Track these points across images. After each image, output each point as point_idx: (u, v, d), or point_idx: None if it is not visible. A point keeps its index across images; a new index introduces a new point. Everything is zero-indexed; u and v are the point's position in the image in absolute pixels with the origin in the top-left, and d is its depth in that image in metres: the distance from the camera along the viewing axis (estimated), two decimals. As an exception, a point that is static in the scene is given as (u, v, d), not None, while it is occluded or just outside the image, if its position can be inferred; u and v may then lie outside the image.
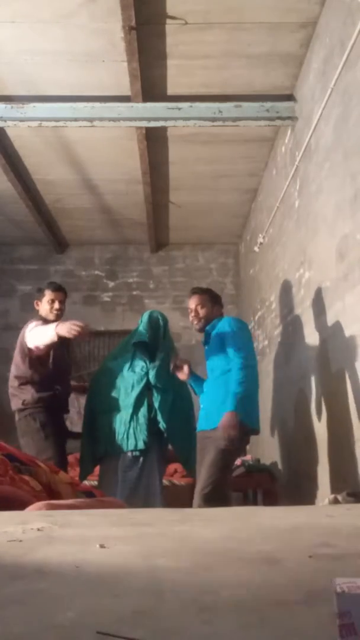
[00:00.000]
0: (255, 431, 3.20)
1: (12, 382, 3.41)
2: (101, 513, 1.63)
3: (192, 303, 3.35)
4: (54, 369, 3.40)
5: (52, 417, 3.32)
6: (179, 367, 3.36)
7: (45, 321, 3.38)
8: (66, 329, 3.06)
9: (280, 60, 3.69)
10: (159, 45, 3.52)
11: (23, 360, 3.36)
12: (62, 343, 3.43)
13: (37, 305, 3.52)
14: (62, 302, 3.50)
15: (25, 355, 3.34)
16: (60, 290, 3.52)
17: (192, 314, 3.34)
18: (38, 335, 3.24)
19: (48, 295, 3.47)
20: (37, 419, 3.28)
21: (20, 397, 3.33)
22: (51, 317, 3.43)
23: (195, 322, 3.34)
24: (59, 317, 3.45)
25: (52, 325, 3.18)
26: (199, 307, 3.32)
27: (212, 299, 3.35)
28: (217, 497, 2.85)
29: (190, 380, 3.41)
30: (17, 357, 3.42)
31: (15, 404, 3.37)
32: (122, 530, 1.31)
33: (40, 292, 3.54)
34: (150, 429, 3.26)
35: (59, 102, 3.95)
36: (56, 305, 3.45)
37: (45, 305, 3.46)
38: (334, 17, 3.04)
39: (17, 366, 3.40)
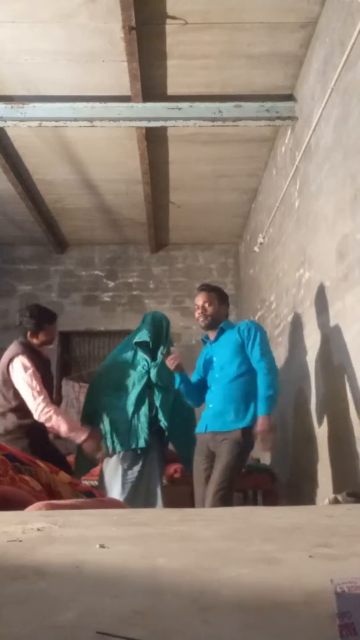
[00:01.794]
0: None
1: None
2: (101, 513, 1.63)
3: (200, 300, 3.30)
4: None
5: (32, 443, 3.21)
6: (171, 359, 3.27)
7: (32, 350, 3.32)
8: (91, 449, 3.20)
9: (280, 60, 3.69)
10: (159, 45, 3.52)
11: (6, 392, 3.29)
12: (45, 364, 3.42)
13: (33, 337, 3.37)
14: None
15: (8, 389, 3.28)
16: (56, 319, 3.48)
17: (199, 310, 3.27)
18: (62, 424, 3.19)
19: (49, 329, 3.40)
20: (19, 444, 3.17)
21: (2, 423, 3.27)
22: (49, 345, 3.43)
23: (201, 319, 3.27)
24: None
25: (84, 434, 3.18)
26: (206, 304, 3.26)
27: (219, 298, 3.31)
28: (230, 498, 2.90)
29: (180, 375, 3.34)
30: (1, 386, 3.32)
31: (5, 425, 3.29)
32: (122, 530, 1.31)
33: (39, 328, 3.38)
34: (151, 428, 3.26)
35: (59, 102, 3.95)
36: (55, 334, 3.47)
37: (42, 337, 3.39)
38: (334, 17, 3.04)
39: (1, 396, 3.31)
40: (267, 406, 2.95)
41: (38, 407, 3.17)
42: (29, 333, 3.36)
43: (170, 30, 3.40)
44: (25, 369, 3.22)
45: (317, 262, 3.45)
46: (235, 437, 2.96)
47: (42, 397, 3.18)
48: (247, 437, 2.98)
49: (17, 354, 3.26)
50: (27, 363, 3.22)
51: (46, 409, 3.16)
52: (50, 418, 3.16)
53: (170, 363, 3.14)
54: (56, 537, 1.20)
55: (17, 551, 1.07)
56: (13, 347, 3.34)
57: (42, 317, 3.40)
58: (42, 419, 3.17)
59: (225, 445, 2.97)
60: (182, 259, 7.17)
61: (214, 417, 3.11)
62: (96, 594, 0.82)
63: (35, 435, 3.25)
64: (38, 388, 3.20)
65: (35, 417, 3.18)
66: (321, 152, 3.32)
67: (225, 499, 2.84)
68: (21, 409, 3.25)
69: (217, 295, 3.32)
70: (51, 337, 3.45)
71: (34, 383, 3.20)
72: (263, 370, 3.02)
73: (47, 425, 3.20)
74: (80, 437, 3.18)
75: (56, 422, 3.17)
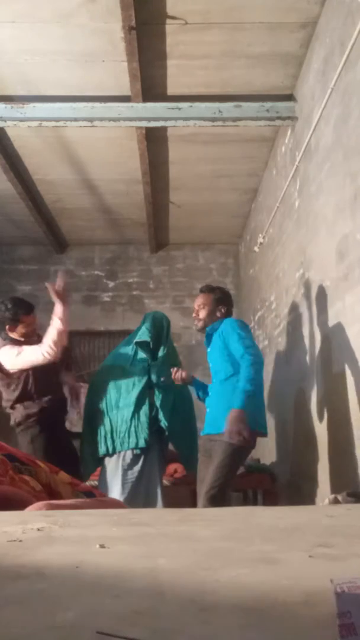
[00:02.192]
0: (262, 434, 3.16)
1: (5, 404, 3.40)
2: (101, 513, 1.63)
3: (196, 302, 3.32)
4: (39, 382, 3.34)
5: (43, 432, 3.28)
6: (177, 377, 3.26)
7: (16, 342, 3.34)
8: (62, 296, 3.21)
9: (280, 60, 3.69)
10: (159, 45, 3.52)
11: (6, 387, 3.34)
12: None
13: (11, 331, 3.37)
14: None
15: (5, 383, 3.33)
16: (33, 310, 3.47)
17: (194, 313, 3.32)
18: (33, 351, 3.23)
19: (27, 320, 3.39)
20: (29, 433, 3.28)
21: (13, 415, 3.34)
22: (33, 337, 3.40)
23: (195, 322, 3.32)
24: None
25: (57, 306, 3.22)
26: (200, 307, 3.28)
27: (217, 300, 3.28)
28: (222, 498, 2.85)
29: (193, 386, 3.36)
30: (0, 384, 3.39)
31: (11, 421, 3.38)
32: (122, 530, 1.31)
33: (15, 320, 3.38)
34: (151, 428, 3.26)
35: (59, 102, 3.95)
36: (35, 328, 3.44)
37: (22, 330, 3.39)
38: (334, 17, 3.04)
39: (4, 391, 3.38)
40: (241, 399, 2.88)
41: (42, 355, 3.22)
42: (7, 327, 3.36)
43: (170, 30, 3.40)
44: (12, 351, 3.27)
45: (317, 262, 3.45)
46: (225, 438, 2.93)
47: (37, 348, 3.22)
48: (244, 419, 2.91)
49: (3, 344, 3.32)
50: (12, 348, 3.27)
51: (43, 349, 3.21)
52: (52, 345, 3.20)
53: (177, 378, 3.20)
54: (56, 537, 1.20)
55: (17, 551, 1.07)
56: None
57: (18, 309, 3.38)
58: (54, 353, 3.22)
59: (218, 446, 2.96)
60: (182, 259, 7.17)
61: (209, 420, 3.14)
62: (96, 594, 0.82)
63: (44, 425, 3.29)
64: (29, 349, 3.25)
65: (53, 357, 3.23)
66: (321, 152, 3.32)
67: (215, 498, 2.82)
68: (25, 399, 3.30)
69: (214, 297, 3.28)
70: (31, 329, 3.42)
71: (25, 349, 3.25)
72: (245, 363, 2.96)
73: (59, 346, 3.23)
74: (60, 308, 3.26)
75: (52, 340, 3.21)
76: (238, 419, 2.83)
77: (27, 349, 3.28)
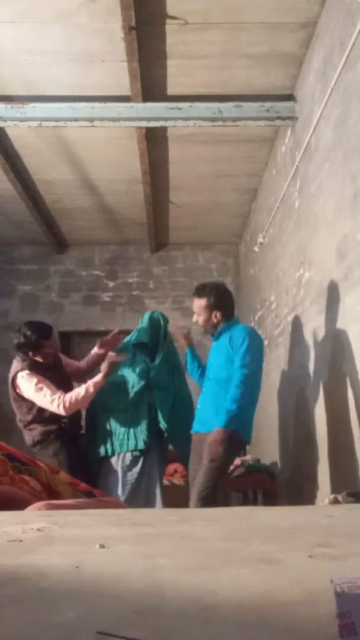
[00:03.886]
0: (246, 443, 3.22)
1: (19, 424, 3.38)
2: (101, 513, 1.63)
3: (193, 307, 3.28)
4: None
5: (65, 444, 3.28)
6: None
7: (35, 363, 3.31)
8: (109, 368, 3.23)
9: (280, 60, 3.69)
10: (159, 45, 3.52)
11: (19, 407, 3.32)
12: (53, 369, 3.39)
13: (34, 356, 3.32)
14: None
15: (20, 404, 3.31)
16: (52, 331, 3.44)
17: (194, 317, 3.27)
18: (78, 399, 3.21)
19: (46, 345, 3.34)
20: (51, 448, 3.27)
21: (30, 435, 3.32)
22: (50, 360, 3.37)
23: (198, 325, 3.30)
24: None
25: (95, 381, 3.22)
26: (196, 315, 3.23)
27: (210, 307, 3.16)
28: (213, 499, 2.86)
29: (188, 353, 3.38)
30: (13, 403, 3.36)
31: (27, 440, 3.35)
32: (122, 530, 1.31)
33: (37, 347, 3.30)
34: (150, 429, 3.26)
35: (59, 102, 3.95)
36: (55, 351, 3.43)
37: (44, 352, 3.34)
38: (334, 17, 3.04)
39: (18, 412, 3.36)
40: (224, 419, 2.87)
41: (59, 407, 3.19)
42: (30, 353, 3.31)
43: (170, 30, 3.40)
44: (30, 381, 3.22)
45: (317, 262, 3.45)
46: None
47: (56, 397, 3.19)
48: (227, 438, 2.91)
49: (17, 371, 3.28)
50: (30, 376, 3.23)
51: (66, 399, 3.19)
52: (76, 398, 3.19)
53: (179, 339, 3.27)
54: (56, 537, 1.20)
55: (17, 551, 1.07)
56: (14, 364, 3.35)
57: (38, 336, 3.31)
58: (72, 408, 3.20)
59: (207, 447, 2.95)
60: (182, 259, 7.17)
61: (199, 418, 3.15)
62: (96, 594, 0.82)
63: (65, 438, 3.28)
64: (50, 392, 3.20)
65: (65, 413, 3.20)
66: (321, 152, 3.32)
67: (207, 501, 2.82)
68: (42, 419, 3.27)
69: (208, 303, 3.17)
70: (52, 350, 3.40)
71: (44, 390, 3.21)
72: (235, 382, 2.93)
73: (74, 409, 3.22)
74: (101, 376, 3.24)
75: (82, 396, 3.21)
76: (217, 442, 2.86)
77: (45, 392, 3.21)
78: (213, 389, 3.12)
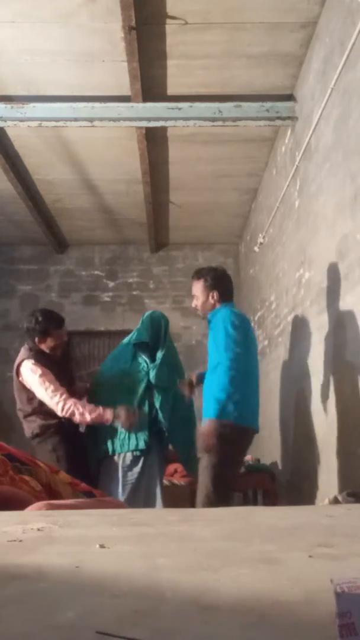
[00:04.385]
0: (253, 430, 3.07)
1: (18, 413, 3.36)
2: (101, 513, 1.63)
3: (192, 290, 3.25)
4: None
5: (64, 440, 3.25)
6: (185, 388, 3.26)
7: (41, 353, 3.30)
8: (125, 425, 3.14)
9: (280, 60, 3.69)
10: (159, 45, 3.52)
11: (22, 397, 3.31)
12: (58, 362, 3.37)
13: (40, 343, 3.30)
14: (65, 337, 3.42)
15: (22, 393, 3.29)
16: (64, 328, 3.39)
17: (193, 302, 3.24)
18: (84, 413, 3.16)
19: (55, 334, 3.32)
20: (49, 442, 3.25)
21: (29, 427, 3.30)
22: (58, 353, 3.34)
23: (197, 310, 3.26)
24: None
25: (110, 414, 3.14)
26: (195, 299, 3.21)
27: (207, 287, 3.14)
28: (218, 498, 2.81)
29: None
30: (16, 392, 3.34)
31: (27, 432, 3.33)
32: (122, 530, 1.31)
33: (45, 333, 3.30)
34: (151, 429, 3.26)
35: (59, 102, 3.95)
36: (62, 343, 3.37)
37: (50, 343, 3.32)
38: (334, 17, 3.04)
39: (18, 401, 3.34)
40: (214, 409, 2.82)
41: (57, 405, 3.16)
42: (36, 339, 3.31)
43: (170, 30, 3.40)
44: (34, 372, 3.20)
45: (317, 262, 3.45)
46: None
47: (58, 394, 3.17)
48: (221, 428, 2.84)
49: (23, 359, 3.26)
50: (35, 367, 3.21)
51: (67, 406, 3.15)
52: (73, 413, 3.15)
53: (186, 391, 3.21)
54: (56, 537, 1.20)
55: (17, 551, 1.07)
56: (21, 352, 3.34)
57: (49, 323, 3.31)
58: (66, 415, 3.16)
59: (199, 438, 2.93)
60: (182, 259, 7.17)
61: (204, 408, 3.08)
62: (96, 594, 0.82)
63: (64, 433, 3.25)
64: (52, 387, 3.18)
65: (60, 414, 3.17)
66: (321, 152, 3.32)
67: (210, 499, 2.80)
68: (43, 411, 3.25)
69: (204, 284, 3.15)
70: (60, 342, 3.37)
71: (47, 384, 3.18)
72: (222, 368, 2.87)
73: (74, 419, 3.19)
74: (107, 418, 3.15)
75: (79, 414, 3.16)
76: (208, 433, 2.83)
77: (47, 386, 3.18)
78: (209, 377, 3.06)
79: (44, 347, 3.32)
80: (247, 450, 3.25)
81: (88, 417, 3.16)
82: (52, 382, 3.20)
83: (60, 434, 3.25)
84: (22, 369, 3.25)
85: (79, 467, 3.12)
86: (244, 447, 3.09)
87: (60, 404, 3.16)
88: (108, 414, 3.15)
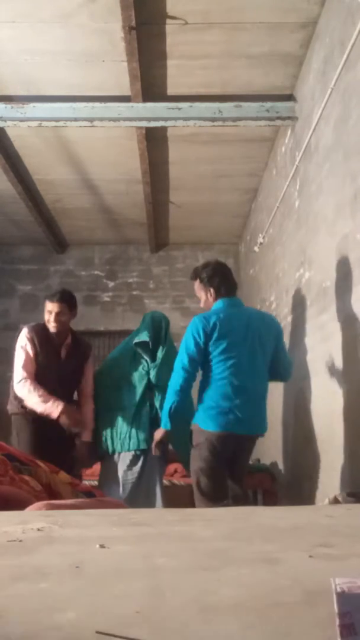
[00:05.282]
0: (233, 435, 2.84)
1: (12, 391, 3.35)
2: (101, 513, 1.63)
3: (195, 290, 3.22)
4: (48, 384, 3.23)
5: (30, 423, 3.21)
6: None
7: (43, 329, 3.34)
8: (66, 424, 3.13)
9: (280, 60, 3.69)
10: (159, 45, 3.52)
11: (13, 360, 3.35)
12: (55, 348, 3.36)
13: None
14: (59, 314, 3.33)
15: (13, 358, 3.34)
16: (56, 302, 3.33)
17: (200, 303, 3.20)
18: (33, 397, 3.13)
19: (46, 306, 3.38)
20: (18, 422, 3.25)
21: (10, 403, 3.30)
22: (50, 328, 3.36)
23: None
24: (58, 329, 3.35)
25: (56, 409, 3.10)
26: (198, 298, 3.19)
27: (204, 285, 3.04)
28: (202, 498, 2.80)
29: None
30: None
31: (10, 409, 3.32)
32: (122, 530, 1.31)
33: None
34: (151, 429, 3.26)
35: (59, 102, 3.95)
36: (52, 317, 3.33)
37: (45, 315, 3.38)
38: (334, 17, 3.04)
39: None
40: (162, 419, 2.91)
41: (16, 376, 3.20)
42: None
43: (170, 30, 3.40)
44: (20, 340, 3.29)
45: (317, 262, 3.45)
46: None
47: (20, 372, 3.20)
48: (194, 434, 2.88)
49: (25, 325, 3.38)
50: (25, 336, 3.28)
51: (20, 384, 3.16)
52: (23, 395, 3.16)
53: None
54: (56, 537, 1.20)
55: (17, 551, 1.07)
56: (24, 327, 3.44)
57: (49, 294, 3.48)
58: (17, 391, 3.19)
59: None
60: (182, 259, 7.17)
61: None
62: (96, 594, 0.82)
63: (35, 416, 3.18)
64: (21, 363, 3.22)
65: (15, 387, 3.21)
66: (321, 152, 3.32)
67: (197, 499, 2.82)
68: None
69: (201, 282, 3.06)
70: (50, 317, 3.33)
71: (21, 356, 3.24)
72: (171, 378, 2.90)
73: (23, 397, 3.17)
74: (54, 413, 3.12)
75: (28, 398, 3.14)
76: (156, 439, 2.99)
77: (20, 357, 3.23)
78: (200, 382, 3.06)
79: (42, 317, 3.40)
80: (237, 454, 2.97)
81: (35, 406, 3.12)
82: (27, 358, 3.22)
83: (30, 417, 3.20)
84: (19, 335, 3.34)
85: (45, 454, 2.82)
86: (219, 451, 2.83)
87: (16, 379, 3.18)
88: (54, 412, 3.11)
